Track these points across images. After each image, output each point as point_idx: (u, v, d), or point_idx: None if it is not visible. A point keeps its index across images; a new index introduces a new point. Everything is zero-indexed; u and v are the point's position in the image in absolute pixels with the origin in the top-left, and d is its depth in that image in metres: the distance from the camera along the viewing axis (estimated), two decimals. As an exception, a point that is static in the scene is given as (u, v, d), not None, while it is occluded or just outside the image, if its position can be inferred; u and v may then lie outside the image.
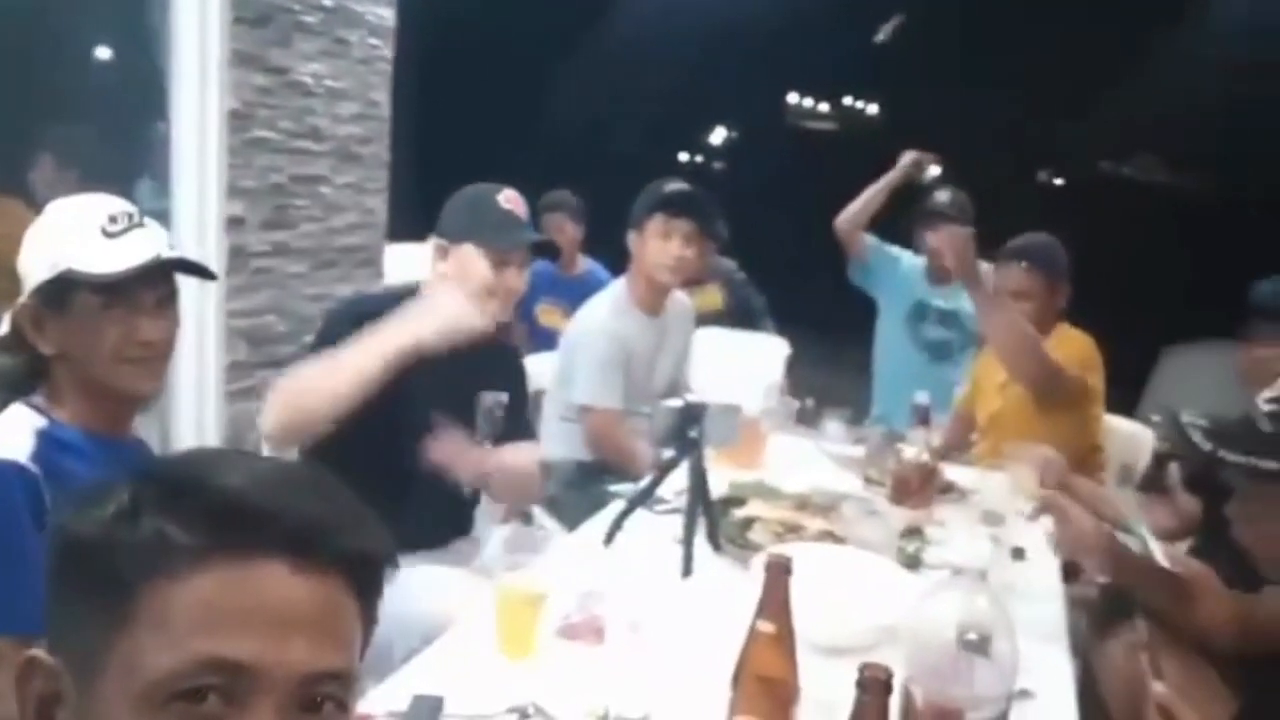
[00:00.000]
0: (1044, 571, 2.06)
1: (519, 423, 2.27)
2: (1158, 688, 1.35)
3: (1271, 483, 1.34)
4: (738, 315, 3.61)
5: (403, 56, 3.50)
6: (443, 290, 2.01)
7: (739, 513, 2.12)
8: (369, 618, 0.76)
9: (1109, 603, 2.19)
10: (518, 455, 2.17)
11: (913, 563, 1.99)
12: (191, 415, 2.91)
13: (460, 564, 2.18)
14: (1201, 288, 3.12)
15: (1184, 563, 2.07)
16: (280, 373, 2.00)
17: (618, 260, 3.04)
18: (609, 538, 1.99)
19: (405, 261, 4.22)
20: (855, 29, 10.69)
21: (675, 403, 1.96)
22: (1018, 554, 2.07)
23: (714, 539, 1.99)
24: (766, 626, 1.25)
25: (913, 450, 2.32)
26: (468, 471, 2.07)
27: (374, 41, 3.40)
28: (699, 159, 14.38)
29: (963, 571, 1.19)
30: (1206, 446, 1.42)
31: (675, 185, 2.83)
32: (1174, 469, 2.78)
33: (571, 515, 2.66)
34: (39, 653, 0.72)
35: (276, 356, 3.13)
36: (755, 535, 2.04)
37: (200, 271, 1.57)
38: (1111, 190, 12.71)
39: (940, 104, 11.68)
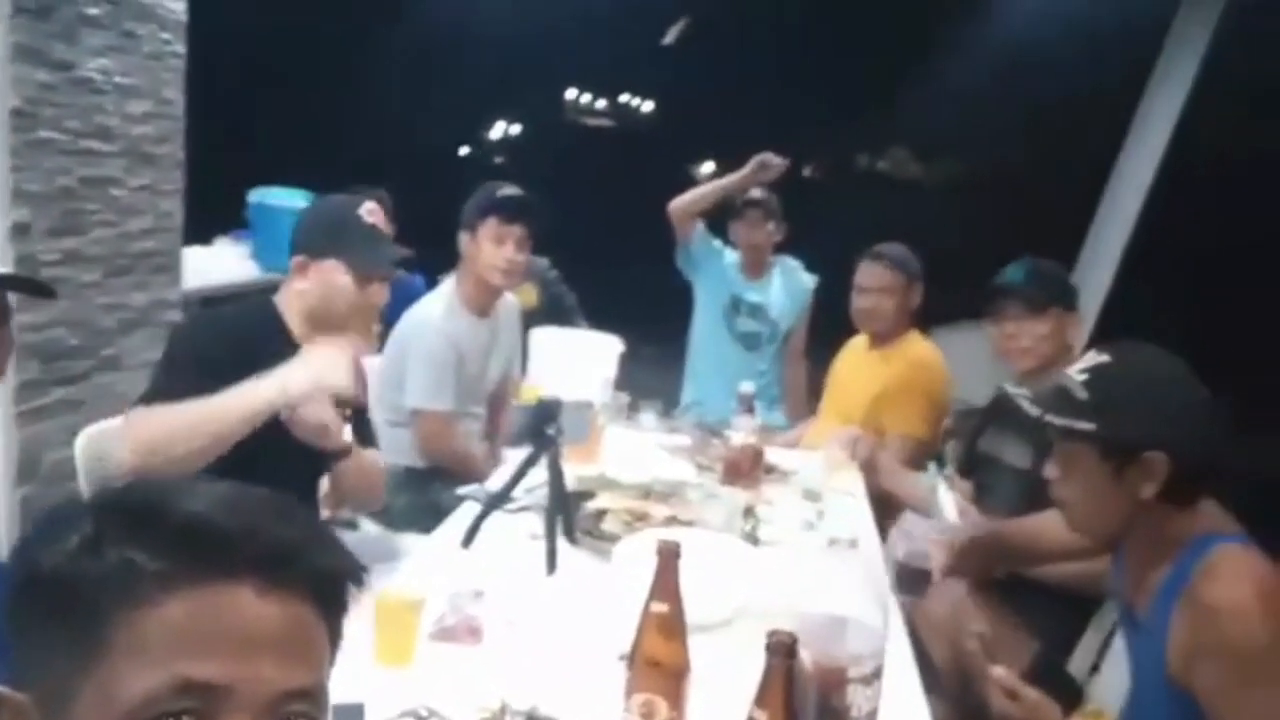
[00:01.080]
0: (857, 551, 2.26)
1: (363, 428, 2.26)
2: (997, 670, 1.54)
3: (1084, 441, 1.56)
4: (551, 313, 3.69)
5: (196, 52, 3.33)
6: (321, 348, 1.91)
7: (590, 505, 2.21)
8: (336, 635, 0.78)
9: (922, 568, 2.46)
10: (374, 455, 2.17)
11: (752, 539, 2.16)
12: (-22, 440, 2.67)
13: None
14: (953, 271, 3.46)
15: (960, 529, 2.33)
16: (74, 403, 1.87)
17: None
18: (467, 540, 2.02)
19: (204, 264, 4.03)
20: (634, 27, 10.95)
21: (530, 400, 2.01)
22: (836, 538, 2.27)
23: (570, 533, 2.07)
24: (660, 607, 1.34)
25: (740, 435, 2.48)
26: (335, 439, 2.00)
27: (165, 36, 3.21)
28: (479, 153, 14.32)
29: (837, 541, 1.32)
30: (1035, 412, 1.62)
31: (508, 189, 2.85)
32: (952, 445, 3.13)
33: (401, 521, 2.67)
34: (3, 689, 0.70)
35: (71, 373, 2.92)
36: (608, 526, 2.14)
37: (36, 288, 1.49)
38: (867, 182, 13.70)
39: (713, 102, 12.18)
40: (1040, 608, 2.20)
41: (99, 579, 0.69)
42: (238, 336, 1.91)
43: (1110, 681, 2.04)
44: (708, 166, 17.04)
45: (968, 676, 2.00)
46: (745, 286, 3.84)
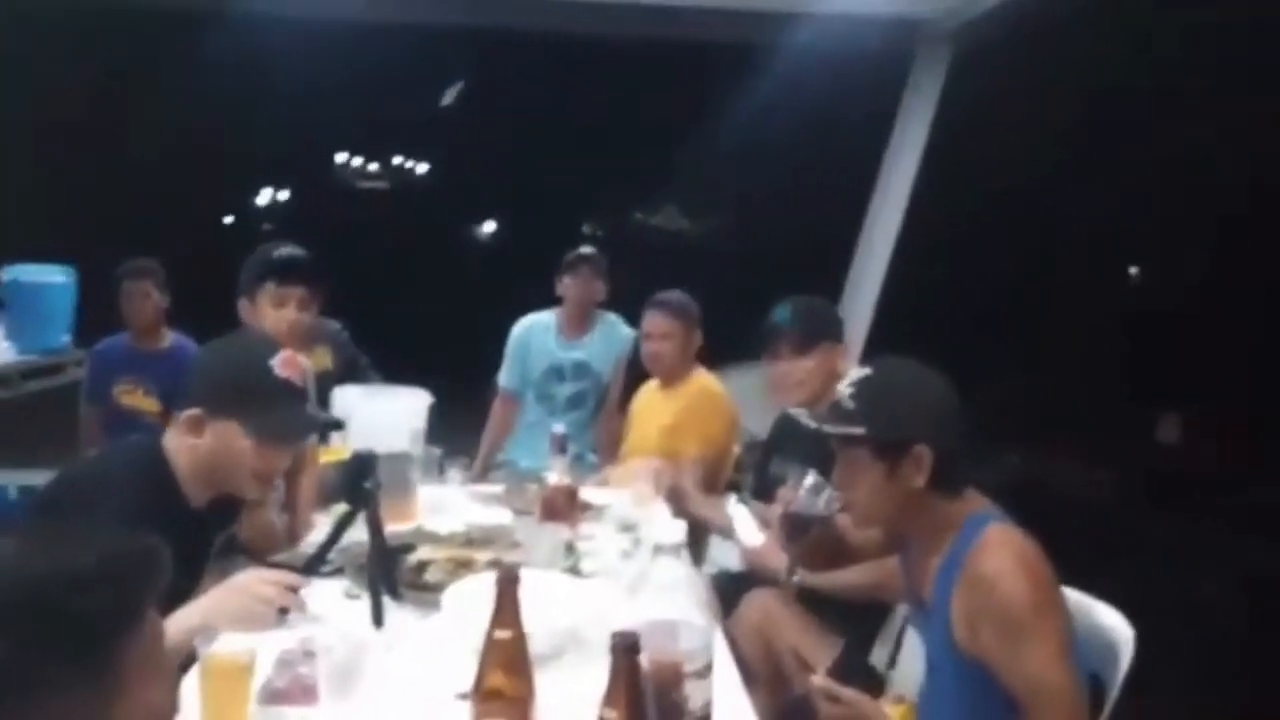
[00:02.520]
0: (679, 562, 2.39)
1: None
2: (816, 679, 1.69)
3: (858, 445, 1.75)
4: (346, 375, 3.63)
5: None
6: (244, 582, 1.77)
7: (411, 559, 2.21)
8: None
9: (733, 581, 2.60)
10: None
11: (575, 573, 2.22)
12: None
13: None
14: (725, 316, 3.71)
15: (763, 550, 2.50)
16: None
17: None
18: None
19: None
20: (407, 91, 10.96)
21: (346, 456, 2.00)
22: (658, 549, 2.38)
23: (394, 588, 2.04)
24: (503, 634, 1.39)
25: (555, 475, 2.56)
26: None
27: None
28: (246, 220, 13.79)
29: (663, 548, 1.42)
30: (813, 425, 1.83)
31: (285, 251, 2.81)
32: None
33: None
34: None
35: None
36: (432, 576, 2.14)
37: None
38: (643, 237, 14.22)
39: (490, 164, 12.35)
40: (839, 613, 2.38)
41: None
42: (133, 511, 1.69)
43: (907, 671, 2.26)
44: (489, 225, 17.28)
45: (781, 677, 2.15)
46: (566, 348, 3.92)
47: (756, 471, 2.98)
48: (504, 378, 4.05)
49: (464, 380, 4.14)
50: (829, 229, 5.66)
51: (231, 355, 1.95)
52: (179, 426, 1.86)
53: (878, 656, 2.43)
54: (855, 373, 1.81)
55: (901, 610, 2.45)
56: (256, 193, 14.55)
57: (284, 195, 14.58)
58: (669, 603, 1.50)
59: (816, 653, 2.24)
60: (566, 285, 3.89)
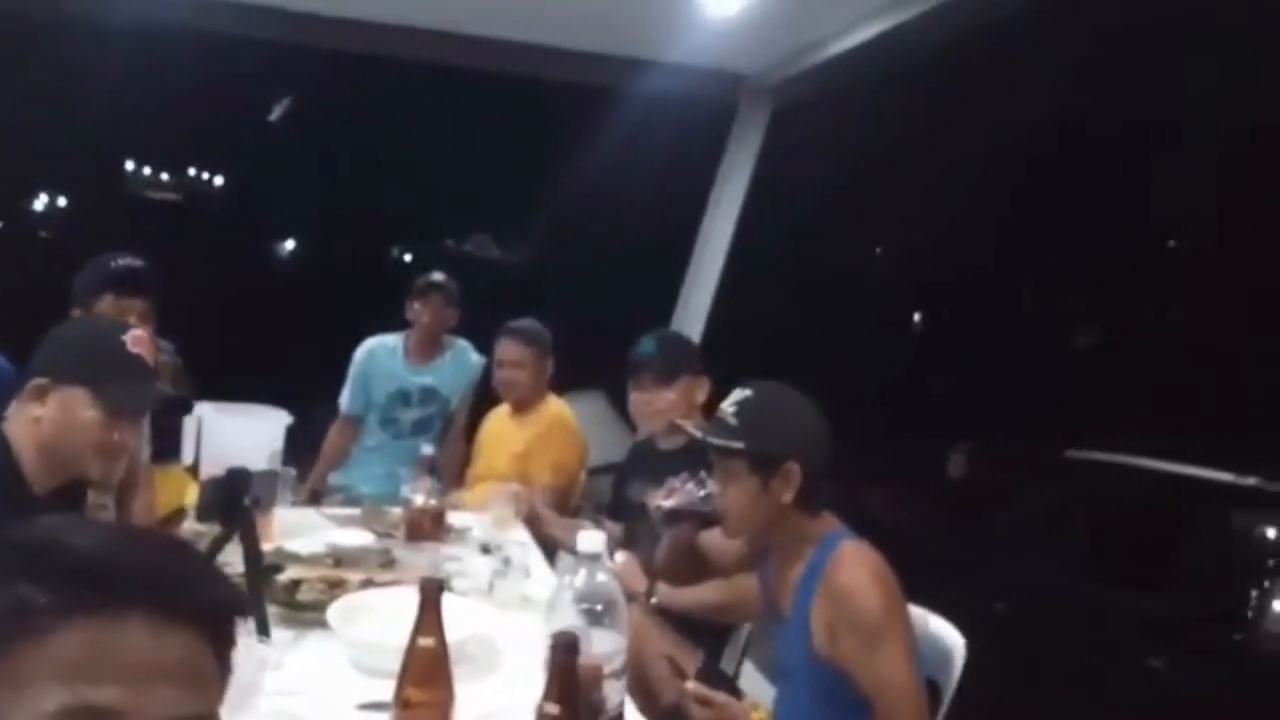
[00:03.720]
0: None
1: None
2: (690, 684, 1.83)
3: (736, 458, 1.92)
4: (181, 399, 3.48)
5: None
6: None
7: (280, 578, 2.19)
8: (225, 669, 0.81)
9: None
10: None
11: (447, 591, 2.27)
12: None
13: None
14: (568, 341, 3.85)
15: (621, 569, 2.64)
16: None
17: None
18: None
19: None
20: (205, 102, 10.49)
21: (220, 473, 1.97)
22: (524, 571, 2.47)
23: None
24: (426, 641, 1.45)
25: (421, 497, 2.59)
26: None
27: None
28: (19, 225, 12.67)
29: (582, 557, 1.51)
30: (699, 434, 2.00)
31: (125, 261, 2.69)
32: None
33: None
34: None
35: None
36: (304, 595, 2.13)
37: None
38: (454, 263, 14.16)
39: (295, 182, 11.98)
40: (697, 626, 2.54)
41: None
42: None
43: (753, 684, 2.45)
44: (289, 244, 16.69)
45: (650, 686, 2.27)
46: (414, 373, 3.86)
47: (613, 494, 3.10)
48: (346, 401, 3.95)
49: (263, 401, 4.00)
50: (653, 263, 5.90)
51: (83, 328, 1.96)
52: (22, 398, 1.80)
53: (725, 666, 2.60)
54: (738, 393, 1.97)
55: (744, 631, 2.65)
56: (32, 197, 13.44)
57: (63, 201, 13.53)
58: (564, 615, 1.58)
59: (683, 661, 2.38)
60: (418, 311, 3.84)
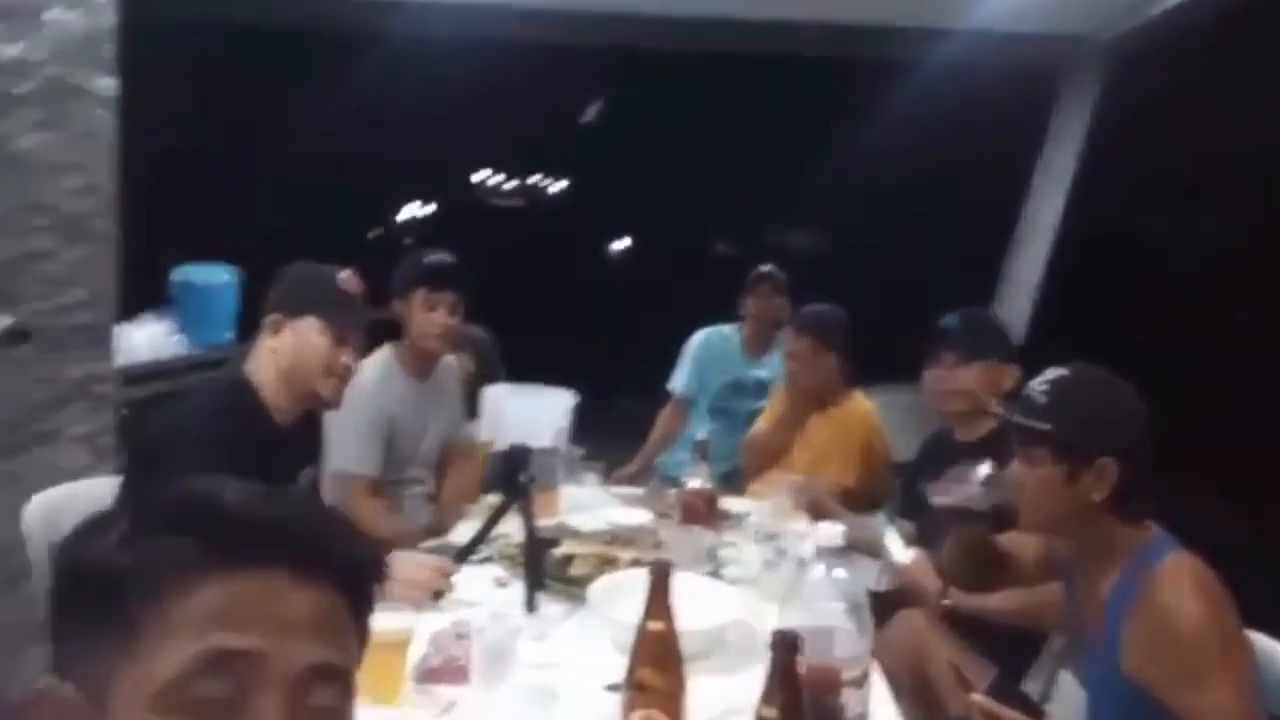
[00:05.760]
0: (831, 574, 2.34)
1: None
2: (976, 697, 1.62)
3: (1040, 443, 1.69)
4: (485, 379, 3.72)
5: (126, 129, 3.33)
6: (399, 565, 1.92)
7: (556, 552, 2.25)
8: (362, 631, 0.81)
9: (877, 600, 2.53)
10: None
11: (717, 577, 2.22)
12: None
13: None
14: (872, 337, 3.60)
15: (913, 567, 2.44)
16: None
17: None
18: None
19: (130, 341, 3.96)
20: (544, 109, 11.22)
21: (502, 448, 2.05)
22: (801, 564, 2.35)
23: (540, 579, 2.09)
24: (656, 625, 1.39)
25: (696, 481, 2.56)
26: None
27: (98, 113, 3.22)
28: (389, 235, 14.33)
29: (823, 550, 1.40)
30: (1001, 413, 1.83)
31: (437, 257, 2.91)
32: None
33: None
34: (49, 682, 0.73)
35: (6, 447, 2.85)
36: (576, 570, 2.17)
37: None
38: (776, 258, 14.13)
39: (624, 182, 12.50)
40: (990, 640, 2.29)
41: (136, 566, 0.72)
42: (228, 439, 1.84)
43: (1066, 709, 2.16)
44: (623, 243, 17.50)
45: (932, 697, 2.09)
46: (751, 365, 3.86)
47: (904, 491, 2.91)
48: (680, 383, 3.95)
49: (596, 390, 4.14)
50: (973, 250, 5.51)
51: (305, 268, 2.15)
52: (262, 333, 2.05)
53: (1030, 690, 2.33)
54: (1052, 371, 1.75)
55: (1055, 645, 2.36)
56: (400, 208, 15.09)
57: (427, 211, 15.10)
58: (822, 613, 1.47)
59: (972, 674, 2.17)
60: (750, 304, 3.84)
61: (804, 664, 1.30)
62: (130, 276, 3.55)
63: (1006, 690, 2.20)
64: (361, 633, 0.81)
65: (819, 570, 1.45)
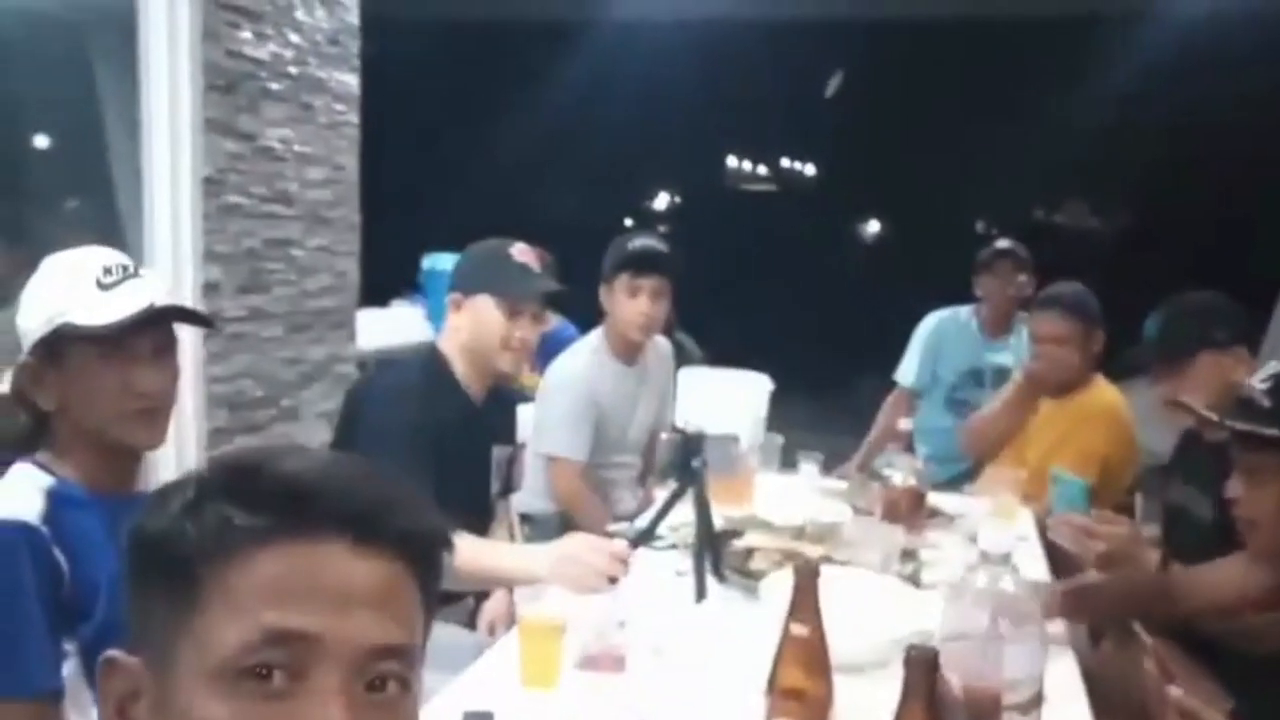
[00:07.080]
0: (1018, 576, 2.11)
1: (515, 474, 2.32)
2: (1174, 691, 1.39)
3: (1270, 451, 1.44)
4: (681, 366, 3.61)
5: (368, 121, 3.56)
6: (578, 550, 1.90)
7: (739, 543, 2.16)
8: (429, 603, 0.77)
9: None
10: None
11: (913, 583, 2.04)
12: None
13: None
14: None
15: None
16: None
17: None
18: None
19: (380, 325, 4.26)
20: (793, 94, 11.03)
21: (675, 434, 1.99)
22: (1010, 570, 2.12)
23: (718, 569, 2.01)
24: (800, 629, 1.28)
25: (900, 475, 2.37)
26: None
27: (339, 107, 3.46)
28: (643, 223, 14.59)
29: (989, 556, 1.23)
30: (1215, 419, 1.59)
31: (640, 242, 2.84)
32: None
33: None
34: (117, 653, 0.73)
35: (255, 422, 3.12)
36: (757, 564, 2.07)
37: (197, 319, 1.58)
38: (1044, 236, 13.16)
39: (876, 163, 12.07)
40: (1230, 665, 1.97)
41: (197, 537, 0.71)
42: (423, 404, 2.02)
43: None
44: (873, 225, 16.97)
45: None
46: (988, 349, 3.55)
47: (1154, 495, 2.57)
48: (908, 374, 3.67)
49: (831, 378, 3.97)
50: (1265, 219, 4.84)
51: (480, 248, 2.21)
52: (448, 312, 2.15)
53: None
54: (1272, 365, 1.51)
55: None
56: (655, 197, 15.39)
57: (678, 200, 15.30)
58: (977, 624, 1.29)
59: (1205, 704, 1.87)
60: (985, 283, 3.51)
61: (956, 682, 1.14)
62: (388, 265, 3.80)
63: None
64: (429, 605, 0.77)
65: (996, 575, 1.27)
